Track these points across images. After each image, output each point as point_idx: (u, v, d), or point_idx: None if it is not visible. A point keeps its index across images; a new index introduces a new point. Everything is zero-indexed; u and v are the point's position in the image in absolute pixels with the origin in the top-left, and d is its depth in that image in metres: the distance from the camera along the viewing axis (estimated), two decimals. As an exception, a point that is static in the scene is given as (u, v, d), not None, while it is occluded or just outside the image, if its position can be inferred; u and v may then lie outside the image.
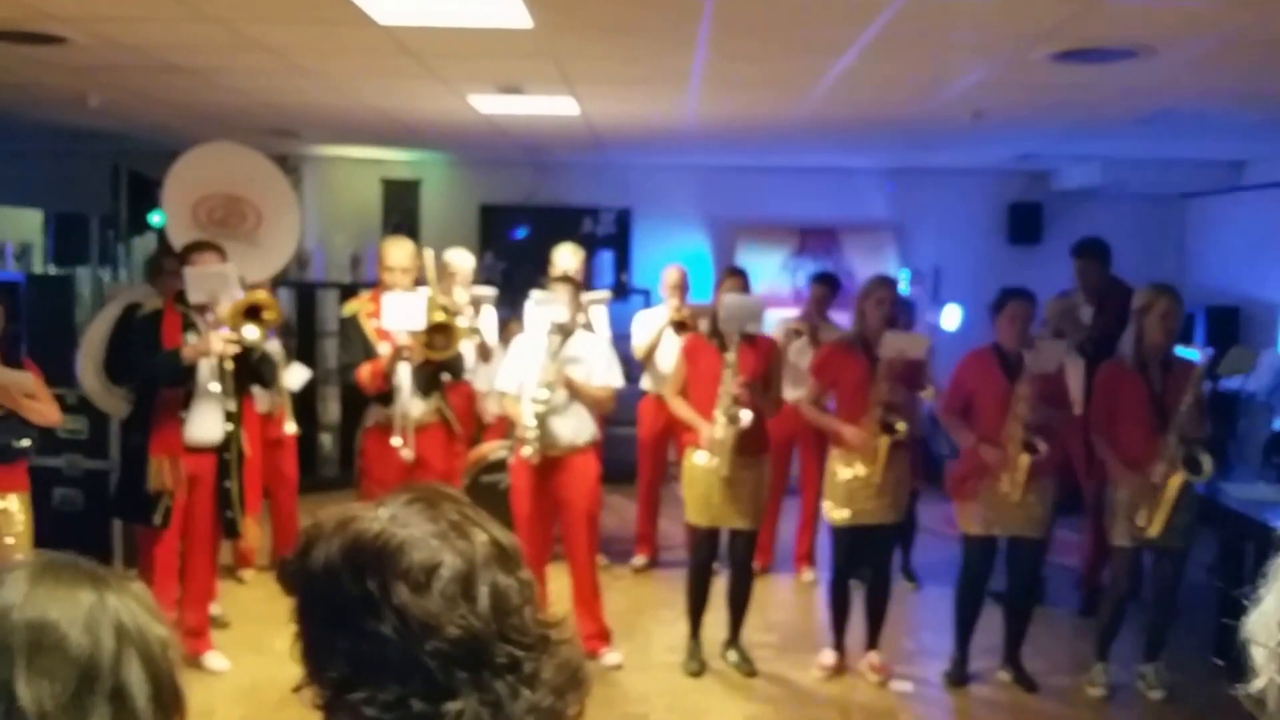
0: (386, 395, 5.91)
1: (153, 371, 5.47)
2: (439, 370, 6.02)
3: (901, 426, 5.59)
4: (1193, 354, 5.84)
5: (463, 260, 7.39)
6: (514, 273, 10.48)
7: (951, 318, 10.43)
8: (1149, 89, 6.23)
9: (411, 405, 5.90)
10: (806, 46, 5.48)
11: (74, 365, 6.11)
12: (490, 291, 7.52)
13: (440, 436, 6.12)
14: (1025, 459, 5.50)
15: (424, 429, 5.96)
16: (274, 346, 6.95)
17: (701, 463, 5.77)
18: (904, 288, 10.63)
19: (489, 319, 7.49)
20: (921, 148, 9.27)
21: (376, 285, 6.13)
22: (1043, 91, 6.40)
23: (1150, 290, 5.72)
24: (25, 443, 5.27)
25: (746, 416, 5.59)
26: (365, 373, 5.85)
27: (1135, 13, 4.69)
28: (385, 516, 1.35)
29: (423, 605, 1.28)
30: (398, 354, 5.80)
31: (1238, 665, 1.22)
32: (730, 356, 5.66)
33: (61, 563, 1.35)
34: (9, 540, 5.20)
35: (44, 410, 5.31)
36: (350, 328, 6.01)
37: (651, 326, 7.66)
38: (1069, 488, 6.12)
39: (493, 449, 7.81)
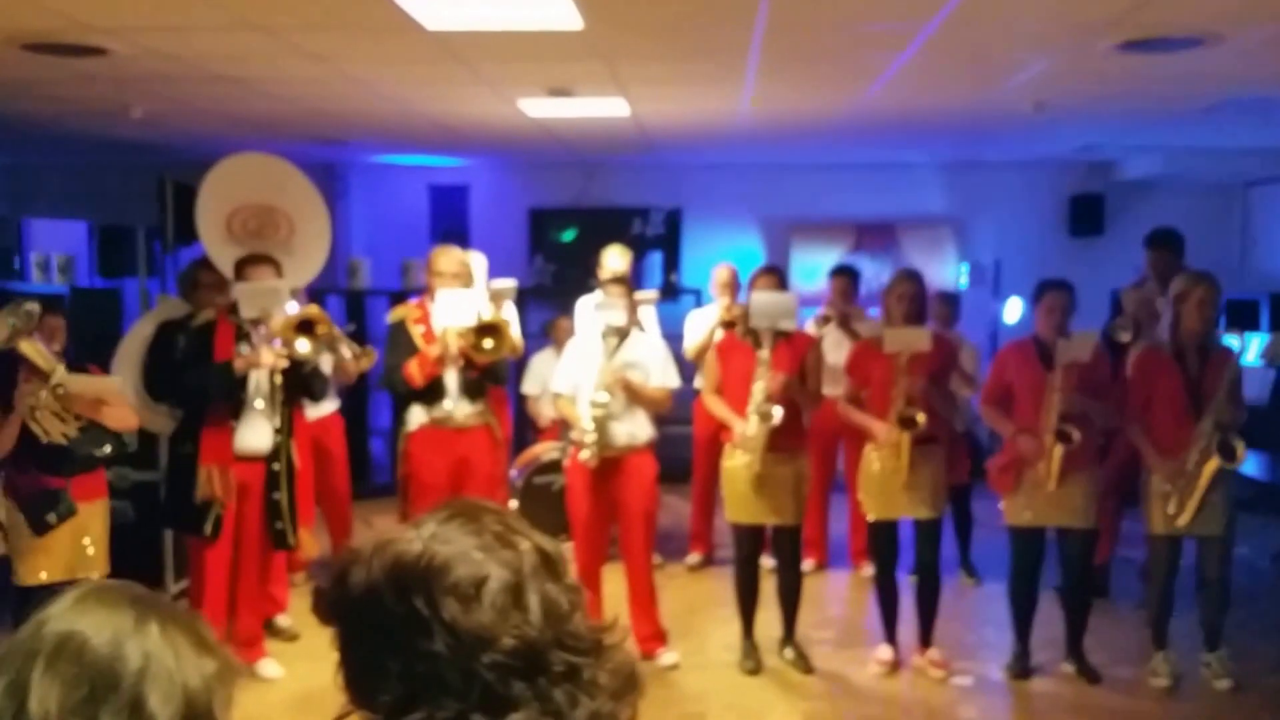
0: (429, 396, 5.96)
1: (205, 384, 5.51)
2: (483, 375, 6.05)
3: (920, 419, 5.57)
4: (1233, 340, 5.78)
5: (475, 262, 7.42)
6: (563, 275, 10.45)
7: (1014, 311, 10.27)
8: (1214, 77, 6.11)
9: (456, 407, 5.98)
10: (865, 42, 5.39)
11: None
12: (510, 283, 7.45)
13: (486, 439, 6.15)
14: (1059, 448, 5.51)
15: (470, 431, 6.03)
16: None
17: (736, 460, 5.78)
18: (963, 281, 10.52)
19: (511, 313, 7.46)
20: (981, 141, 9.14)
21: (424, 293, 6.19)
22: (1106, 81, 6.29)
23: (1188, 278, 5.76)
24: (107, 449, 5.32)
25: (778, 413, 5.58)
26: (413, 365, 5.90)
27: (1200, 0, 4.55)
28: (425, 535, 1.33)
29: (474, 618, 1.26)
30: (445, 352, 5.88)
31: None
32: (763, 354, 5.63)
33: (113, 587, 1.36)
34: (87, 545, 5.28)
35: (121, 414, 5.36)
36: (397, 333, 6.08)
37: (703, 326, 7.62)
38: (1139, 478, 6.01)
39: (545, 450, 7.77)
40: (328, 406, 6.95)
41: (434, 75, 6.24)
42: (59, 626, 1.28)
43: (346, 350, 5.89)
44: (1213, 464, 5.41)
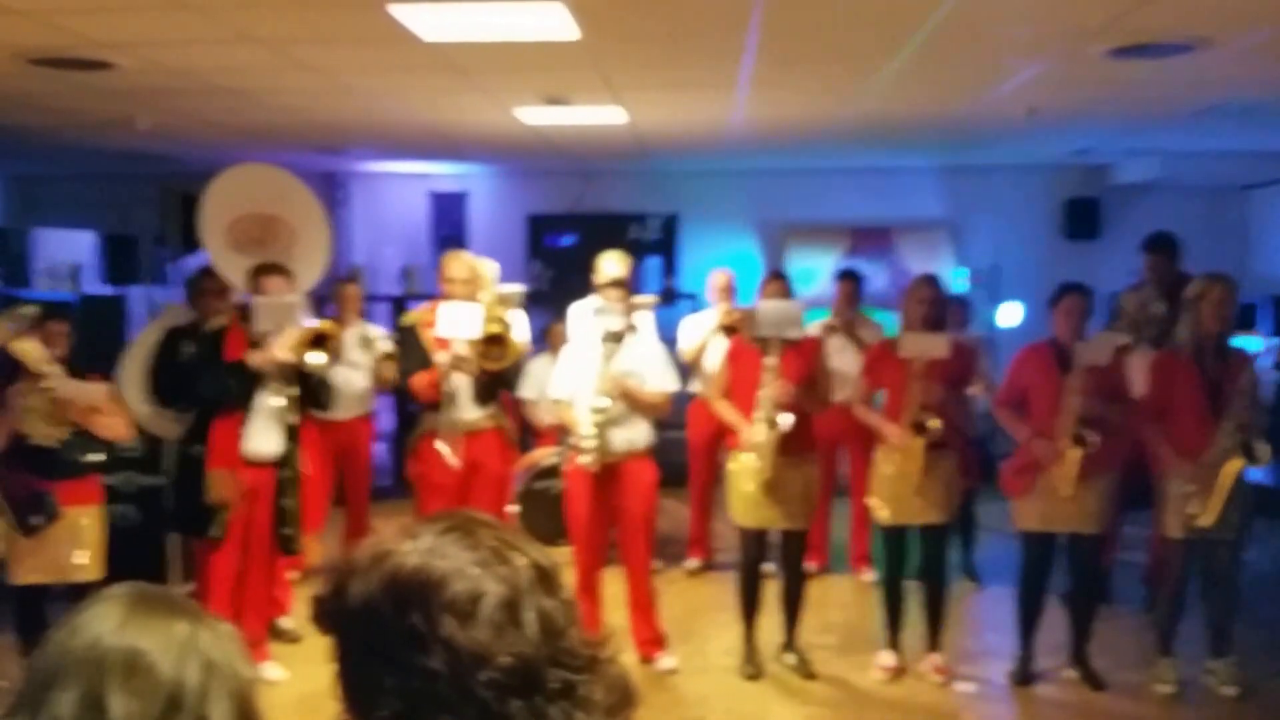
0: (442, 399, 6.02)
1: (222, 386, 5.52)
2: (494, 381, 6.11)
3: (934, 425, 5.55)
4: (1252, 342, 5.75)
5: (487, 269, 7.46)
6: (562, 281, 10.49)
7: (1011, 315, 10.27)
8: (1206, 82, 6.12)
9: (467, 411, 6.04)
10: (857, 49, 5.42)
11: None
12: (517, 288, 7.49)
13: (496, 441, 6.25)
14: (1075, 452, 5.46)
15: (479, 434, 6.12)
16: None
17: (745, 464, 5.77)
18: (962, 286, 10.53)
19: (519, 318, 7.50)
20: (975, 145, 9.17)
21: (436, 298, 6.24)
22: (1098, 87, 6.31)
23: (1204, 279, 5.68)
24: (96, 457, 5.39)
25: (786, 420, 5.57)
26: (420, 381, 6.01)
27: (1190, 5, 4.60)
28: (423, 548, 1.32)
29: (471, 636, 1.26)
30: (454, 364, 5.92)
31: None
32: (770, 360, 5.63)
33: (156, 595, 1.40)
34: (82, 552, 5.33)
35: (112, 424, 5.41)
36: (409, 337, 6.16)
37: (700, 330, 7.64)
38: (1141, 482, 6.01)
39: (544, 455, 7.80)
40: (358, 410, 7.03)
41: (431, 85, 6.28)
42: (120, 642, 1.32)
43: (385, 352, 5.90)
44: (1235, 464, 5.36)
